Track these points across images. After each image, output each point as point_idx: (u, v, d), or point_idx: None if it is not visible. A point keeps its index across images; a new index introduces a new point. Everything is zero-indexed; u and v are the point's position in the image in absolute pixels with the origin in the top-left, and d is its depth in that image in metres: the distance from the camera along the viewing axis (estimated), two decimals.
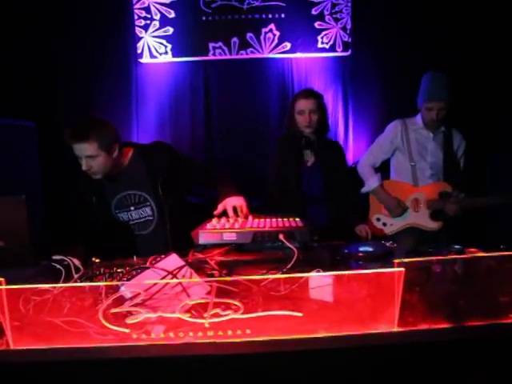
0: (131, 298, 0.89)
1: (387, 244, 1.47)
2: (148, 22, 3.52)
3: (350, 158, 3.73)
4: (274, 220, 1.44)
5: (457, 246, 1.31)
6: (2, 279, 0.86)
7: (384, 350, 0.86)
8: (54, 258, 1.22)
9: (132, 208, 1.88)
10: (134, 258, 1.37)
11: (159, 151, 1.90)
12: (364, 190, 2.52)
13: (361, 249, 1.34)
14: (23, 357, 0.85)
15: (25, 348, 0.85)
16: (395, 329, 0.87)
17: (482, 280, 0.97)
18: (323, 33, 3.56)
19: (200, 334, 0.85)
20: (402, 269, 0.85)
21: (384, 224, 2.46)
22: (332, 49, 3.59)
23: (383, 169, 2.56)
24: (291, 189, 2.26)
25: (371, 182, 2.47)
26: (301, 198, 2.27)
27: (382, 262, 1.25)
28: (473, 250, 1.34)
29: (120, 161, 1.84)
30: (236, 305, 0.88)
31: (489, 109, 3.29)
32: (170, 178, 1.84)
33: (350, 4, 3.52)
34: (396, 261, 0.87)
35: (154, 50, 3.55)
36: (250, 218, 1.51)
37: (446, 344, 0.87)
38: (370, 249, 1.35)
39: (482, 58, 3.31)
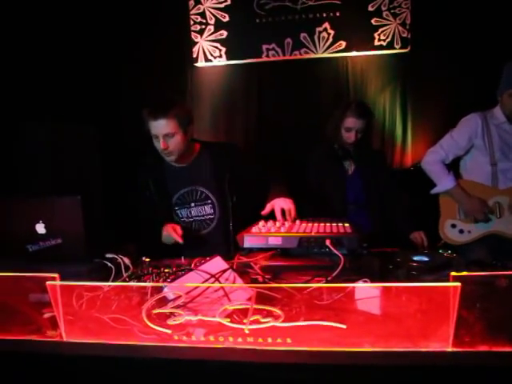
0: (173, 300, 0.91)
1: (446, 254, 1.36)
2: (203, 26, 3.61)
3: (409, 159, 3.55)
4: (321, 225, 1.39)
5: None
6: (56, 275, 0.91)
7: (436, 371, 0.80)
8: (107, 256, 1.27)
9: (193, 204, 1.85)
10: (182, 258, 1.39)
11: (227, 149, 1.90)
12: (436, 190, 2.19)
13: (415, 258, 1.25)
14: (74, 349, 0.89)
15: (76, 341, 0.89)
16: (449, 348, 0.80)
17: None
18: (380, 29, 3.43)
19: (240, 339, 0.84)
20: (459, 283, 0.78)
21: (461, 231, 2.14)
22: (390, 46, 3.44)
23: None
24: (336, 197, 2.19)
25: (446, 182, 2.14)
26: (344, 205, 2.19)
27: (438, 273, 1.16)
28: None
29: (190, 149, 1.82)
30: (277, 312, 0.85)
31: None
32: (236, 176, 1.81)
33: None
34: (452, 274, 0.80)
35: (209, 53, 3.63)
36: (298, 222, 1.48)
37: (508, 369, 0.78)
38: (426, 259, 1.26)
39: None
